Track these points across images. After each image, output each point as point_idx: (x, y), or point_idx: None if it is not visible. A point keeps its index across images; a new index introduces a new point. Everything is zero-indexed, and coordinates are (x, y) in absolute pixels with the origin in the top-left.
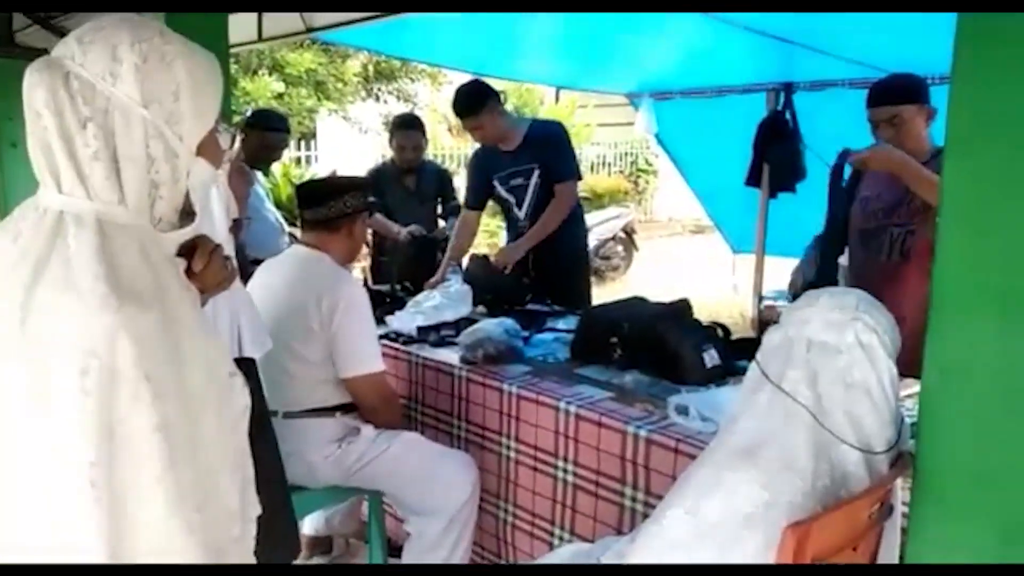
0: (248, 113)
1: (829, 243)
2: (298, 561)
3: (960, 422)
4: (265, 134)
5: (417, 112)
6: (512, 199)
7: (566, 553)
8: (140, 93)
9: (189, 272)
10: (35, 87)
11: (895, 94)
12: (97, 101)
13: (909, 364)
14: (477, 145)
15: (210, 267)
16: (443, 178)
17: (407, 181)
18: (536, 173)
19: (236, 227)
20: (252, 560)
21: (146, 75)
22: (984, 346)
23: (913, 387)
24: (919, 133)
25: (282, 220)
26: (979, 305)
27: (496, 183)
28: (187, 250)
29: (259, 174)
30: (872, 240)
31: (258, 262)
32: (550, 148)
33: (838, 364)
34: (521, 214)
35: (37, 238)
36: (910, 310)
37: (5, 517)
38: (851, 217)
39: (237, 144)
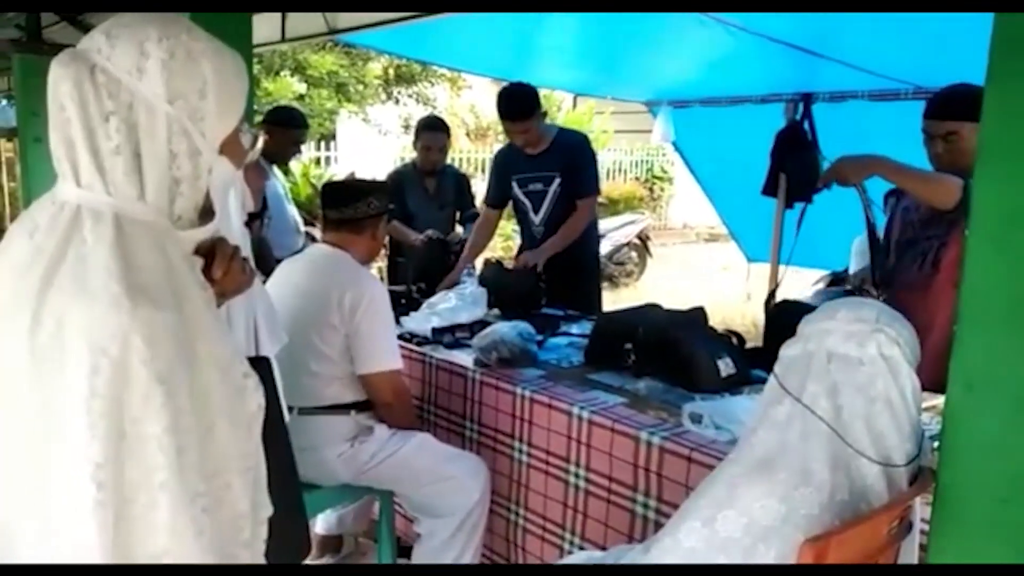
0: (266, 111)
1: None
2: (308, 560)
3: (985, 439)
4: (288, 131)
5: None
6: (528, 204)
7: (577, 561)
8: (166, 89)
9: (208, 276)
10: (60, 79)
11: (955, 109)
12: (122, 96)
13: (936, 378)
14: (496, 148)
15: (230, 273)
16: (462, 183)
17: (427, 184)
18: (556, 182)
19: (256, 222)
20: (262, 562)
21: (172, 71)
22: (1011, 361)
23: (933, 400)
24: (972, 152)
25: (299, 219)
26: (1007, 319)
27: (514, 184)
28: (205, 251)
29: (279, 173)
30: (907, 251)
31: (278, 260)
32: (576, 160)
33: (859, 377)
34: (537, 220)
35: (53, 233)
36: (939, 323)
37: (12, 515)
38: (892, 227)
39: (260, 144)
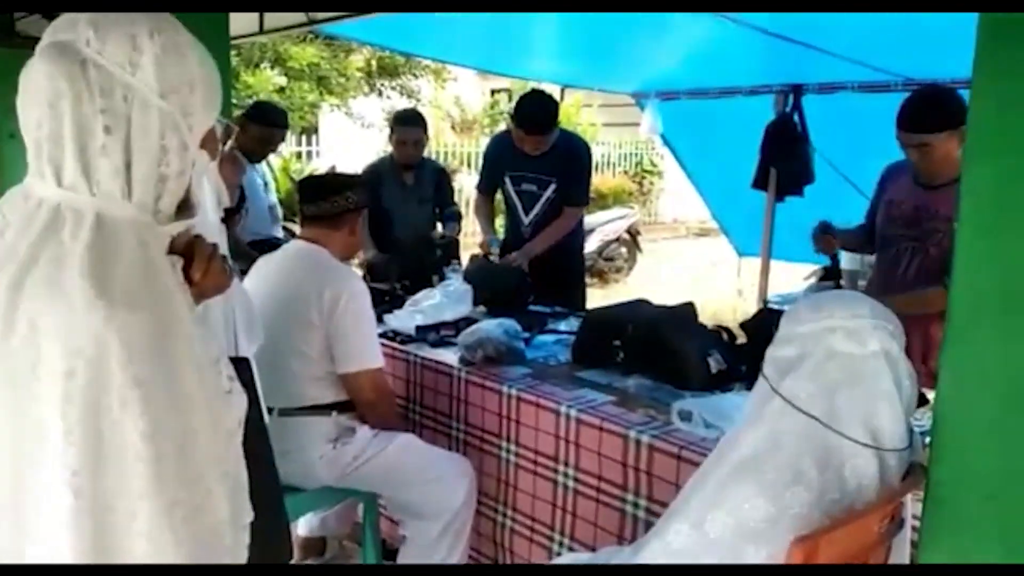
0: (248, 105)
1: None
2: (291, 563)
3: (975, 434)
4: (264, 129)
5: (420, 108)
6: (519, 203)
7: (565, 563)
8: (159, 84)
9: (187, 277)
10: (55, 75)
11: (926, 124)
12: (115, 91)
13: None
14: (482, 141)
15: (209, 273)
16: (442, 178)
17: (406, 177)
18: (552, 188)
19: (235, 216)
20: None
21: (165, 66)
22: (1001, 358)
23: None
24: (949, 156)
25: (278, 208)
26: (998, 314)
27: (507, 180)
28: (183, 251)
29: (261, 164)
30: (888, 248)
31: (254, 244)
32: (574, 169)
33: (862, 373)
34: (526, 220)
35: (28, 232)
36: (920, 322)
37: None
38: (876, 214)
39: (232, 137)
